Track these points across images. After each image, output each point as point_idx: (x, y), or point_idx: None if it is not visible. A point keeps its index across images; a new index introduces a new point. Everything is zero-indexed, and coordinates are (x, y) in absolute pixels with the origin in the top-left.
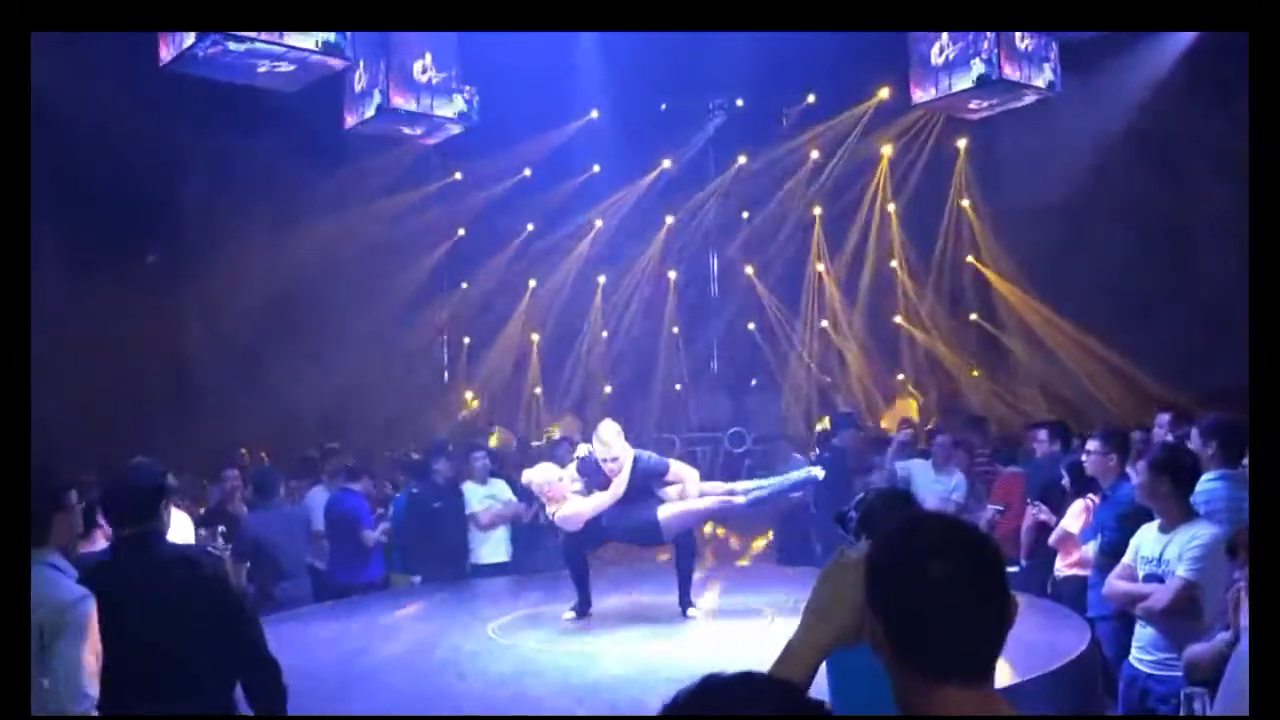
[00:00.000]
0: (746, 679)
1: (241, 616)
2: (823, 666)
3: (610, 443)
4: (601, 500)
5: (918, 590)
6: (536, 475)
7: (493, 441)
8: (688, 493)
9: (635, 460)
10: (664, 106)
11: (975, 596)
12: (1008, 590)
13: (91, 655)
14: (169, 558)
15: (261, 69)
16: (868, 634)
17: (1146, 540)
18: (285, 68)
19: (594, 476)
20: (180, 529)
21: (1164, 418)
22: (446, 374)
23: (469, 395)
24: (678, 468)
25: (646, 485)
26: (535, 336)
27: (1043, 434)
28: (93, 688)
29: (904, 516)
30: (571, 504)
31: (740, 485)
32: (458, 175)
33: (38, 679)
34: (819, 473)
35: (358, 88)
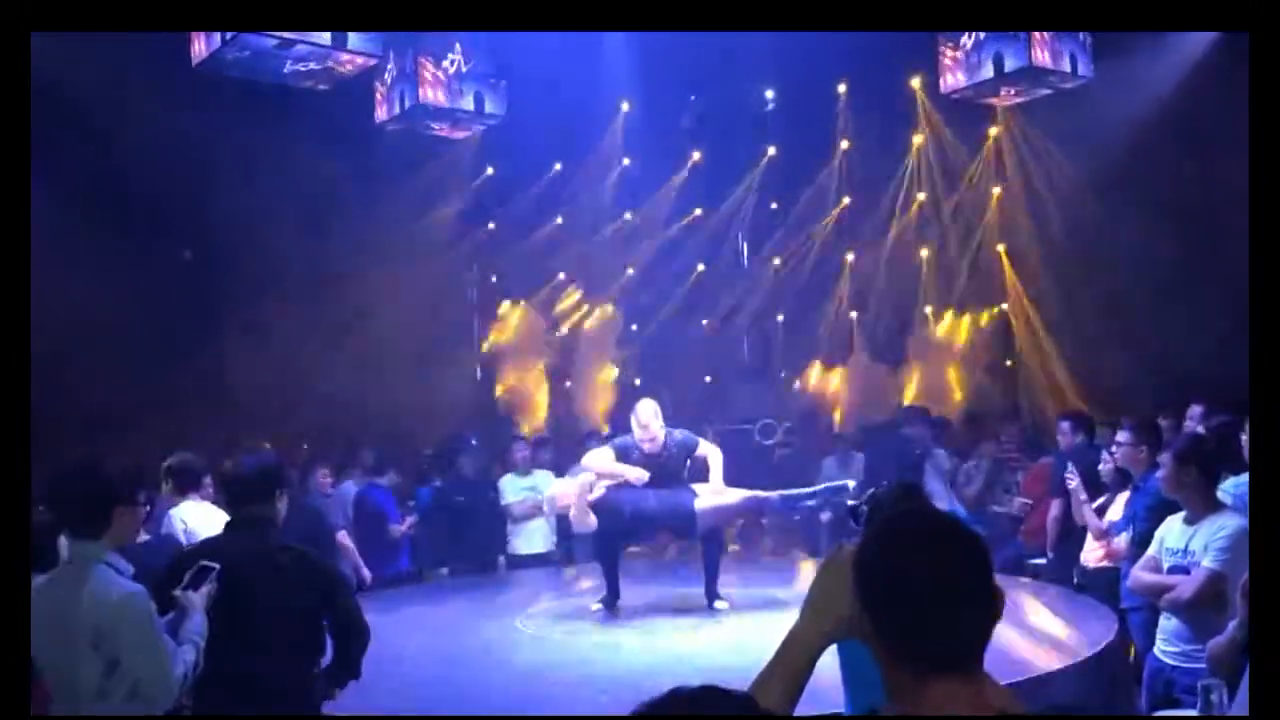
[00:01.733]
0: (709, 693)
1: (348, 592)
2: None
3: (648, 423)
4: (585, 480)
5: (900, 585)
6: (555, 491)
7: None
8: (714, 471)
9: (668, 435)
10: (693, 98)
11: (958, 590)
12: (992, 582)
13: (164, 644)
14: (280, 542)
15: (286, 69)
16: (859, 627)
17: (1172, 532)
18: (313, 66)
19: (628, 456)
20: (210, 520)
21: (1196, 410)
22: (479, 370)
23: (498, 388)
24: (705, 446)
25: (680, 466)
26: (563, 330)
27: (1066, 425)
28: (177, 668)
29: (892, 512)
30: (563, 488)
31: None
32: (490, 170)
33: (90, 680)
34: (851, 484)
35: (387, 83)
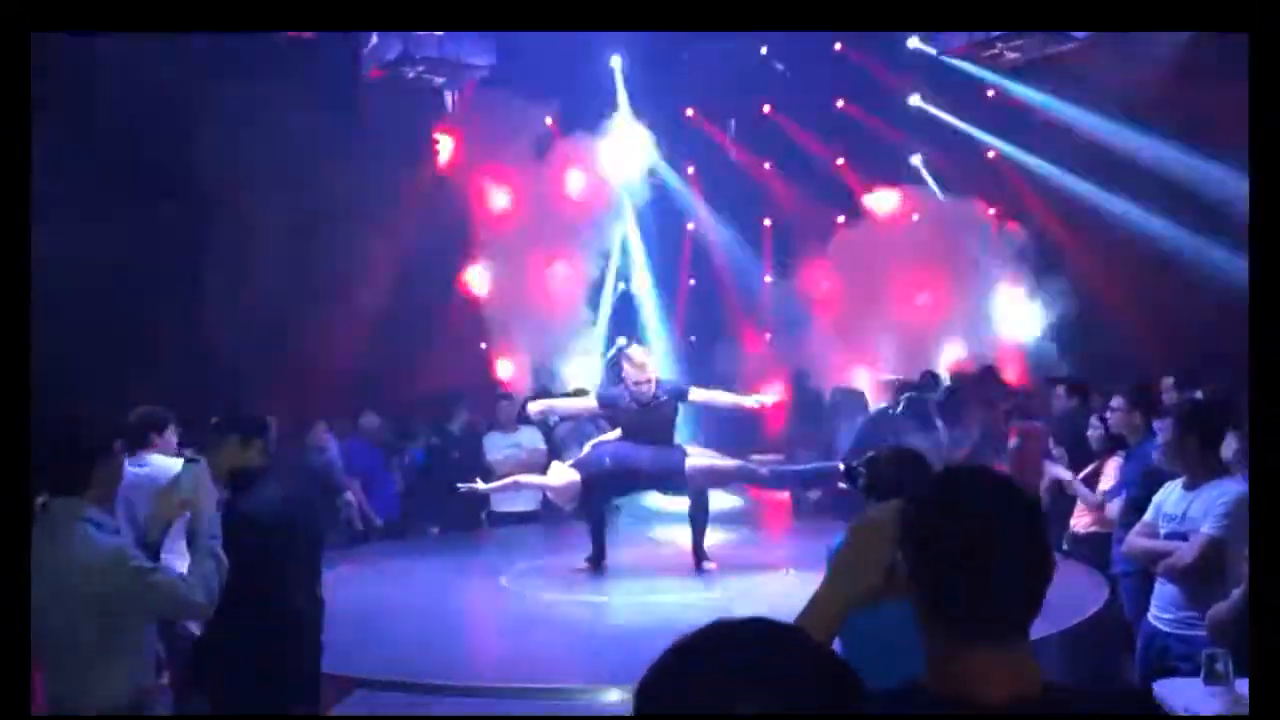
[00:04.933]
0: (758, 623)
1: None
2: None
3: (644, 363)
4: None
5: (956, 547)
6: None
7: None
8: (725, 396)
9: (658, 384)
10: (686, 57)
11: (1015, 553)
12: (1048, 546)
13: (166, 583)
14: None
15: None
16: (902, 591)
17: (1170, 498)
18: None
19: (616, 405)
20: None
21: (1168, 381)
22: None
23: (483, 345)
24: (699, 391)
25: (670, 417)
26: (552, 287)
27: (1060, 390)
28: (200, 591)
29: (946, 470)
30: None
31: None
32: (479, 125)
33: (89, 642)
34: (841, 466)
35: (375, 37)
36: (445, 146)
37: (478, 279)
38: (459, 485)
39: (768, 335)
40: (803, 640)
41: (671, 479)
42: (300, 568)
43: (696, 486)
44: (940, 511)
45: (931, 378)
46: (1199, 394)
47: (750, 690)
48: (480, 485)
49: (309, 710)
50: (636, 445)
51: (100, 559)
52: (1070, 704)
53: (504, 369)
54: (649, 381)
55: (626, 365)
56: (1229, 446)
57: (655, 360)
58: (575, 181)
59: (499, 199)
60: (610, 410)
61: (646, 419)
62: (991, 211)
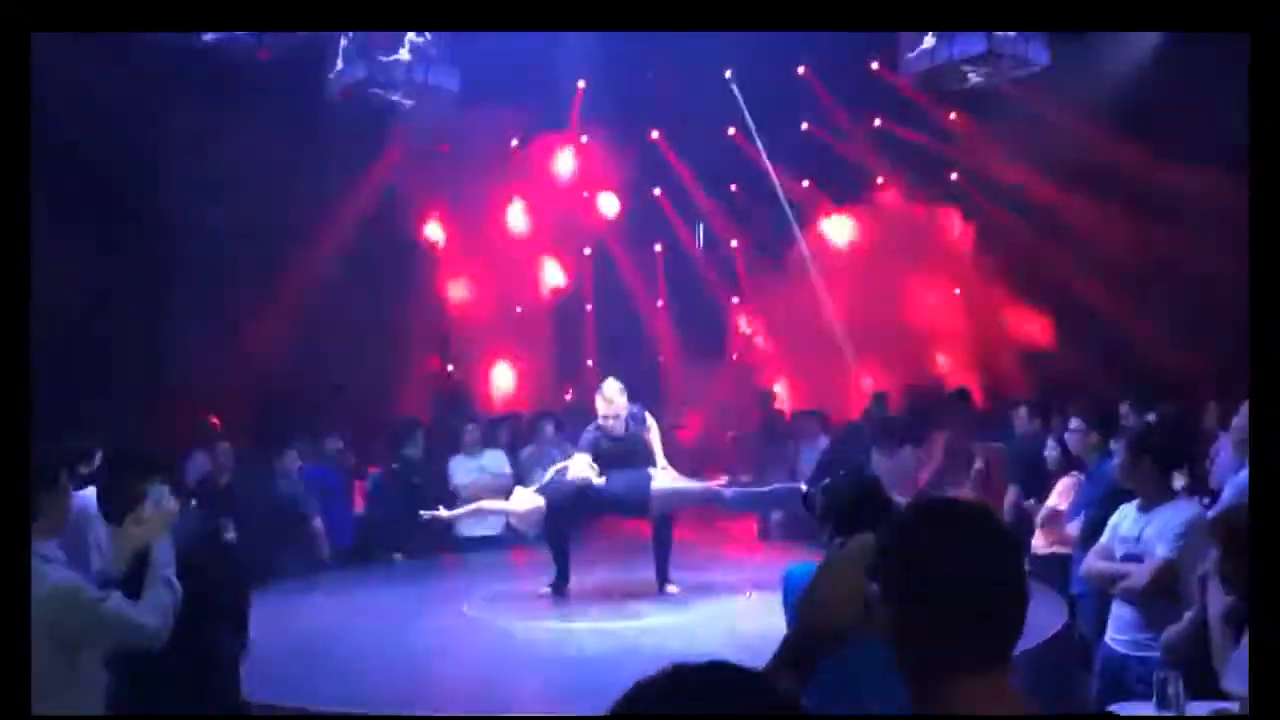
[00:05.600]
0: (715, 669)
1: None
2: None
3: (614, 399)
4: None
5: (938, 577)
6: (511, 507)
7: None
8: (655, 446)
9: (628, 416)
10: (652, 77)
11: (1004, 585)
12: (1024, 575)
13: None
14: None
15: None
16: (876, 627)
17: (1126, 519)
18: None
19: (598, 446)
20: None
21: (1124, 406)
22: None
23: (449, 368)
24: (650, 420)
25: (639, 443)
26: (519, 309)
27: (1023, 411)
28: (152, 617)
29: (922, 502)
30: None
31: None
32: (446, 147)
33: (53, 673)
34: (803, 486)
35: (343, 56)
36: (411, 166)
37: (444, 299)
38: (422, 513)
39: (734, 356)
40: (762, 688)
41: (635, 503)
42: (208, 608)
43: (660, 510)
44: (920, 544)
45: (886, 398)
46: (1152, 416)
47: None
48: (443, 512)
49: None
50: (602, 471)
51: (54, 593)
52: None
53: (470, 391)
54: (618, 418)
55: (599, 400)
56: (1177, 481)
57: (624, 395)
58: (542, 203)
59: (465, 219)
60: (593, 452)
61: (618, 449)
62: (959, 230)
